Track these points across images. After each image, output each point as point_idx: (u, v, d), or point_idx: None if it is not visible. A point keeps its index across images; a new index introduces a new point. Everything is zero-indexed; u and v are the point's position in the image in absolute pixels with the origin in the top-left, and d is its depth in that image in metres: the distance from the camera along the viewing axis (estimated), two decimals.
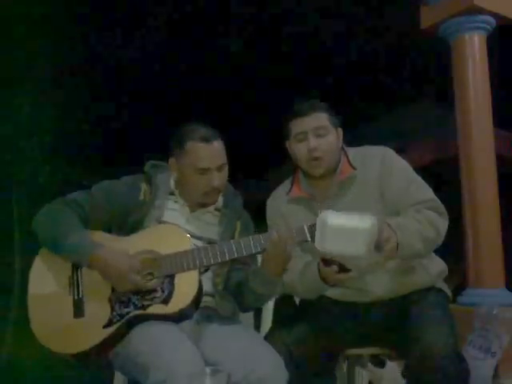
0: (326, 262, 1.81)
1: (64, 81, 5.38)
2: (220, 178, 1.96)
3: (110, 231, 1.96)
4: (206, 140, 1.93)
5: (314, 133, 2.03)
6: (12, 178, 5.13)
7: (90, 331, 1.78)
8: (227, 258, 1.83)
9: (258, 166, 7.19)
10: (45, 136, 5.20)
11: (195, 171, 1.93)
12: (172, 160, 2.01)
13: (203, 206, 2.03)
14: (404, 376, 1.90)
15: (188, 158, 1.94)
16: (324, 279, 1.89)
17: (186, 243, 1.86)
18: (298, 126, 2.06)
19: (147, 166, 2.05)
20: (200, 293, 1.82)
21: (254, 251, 1.82)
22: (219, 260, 1.83)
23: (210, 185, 1.94)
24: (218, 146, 1.96)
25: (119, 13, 6.12)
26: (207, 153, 1.93)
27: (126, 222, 1.93)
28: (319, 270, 1.88)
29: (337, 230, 1.70)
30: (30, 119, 5.06)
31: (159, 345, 1.67)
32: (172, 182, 2.04)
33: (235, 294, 1.98)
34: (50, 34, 5.18)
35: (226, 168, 2.00)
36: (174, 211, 2.00)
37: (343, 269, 1.80)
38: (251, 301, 1.95)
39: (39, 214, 1.91)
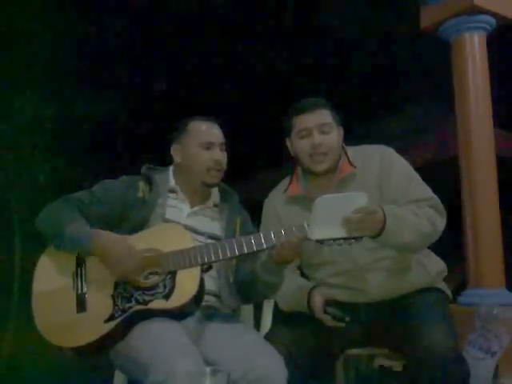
0: (328, 307, 1.93)
1: (64, 80, 5.38)
2: (222, 156, 2.06)
3: (111, 230, 1.97)
4: (207, 120, 2.09)
5: (319, 129, 2.04)
6: (12, 178, 5.12)
7: (92, 325, 1.80)
8: (228, 256, 1.86)
9: (248, 167, 7.19)
10: (45, 136, 5.20)
11: (199, 146, 2.04)
12: (174, 146, 2.11)
13: (203, 197, 2.09)
14: (403, 376, 1.90)
15: (191, 136, 2.06)
16: (310, 308, 1.98)
17: (188, 241, 1.88)
18: (302, 122, 2.06)
19: (144, 168, 2.12)
20: (201, 289, 1.84)
21: (255, 249, 1.84)
22: (220, 257, 1.85)
23: (213, 158, 2.03)
24: (217, 127, 2.10)
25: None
26: (209, 128, 2.07)
27: (126, 219, 1.97)
28: (309, 298, 1.97)
29: (324, 202, 1.75)
30: (30, 119, 5.05)
31: (159, 344, 1.68)
32: (171, 180, 2.10)
33: (246, 283, 2.00)
34: (49, 34, 5.18)
35: (225, 153, 2.09)
36: (174, 208, 2.04)
37: (338, 318, 1.90)
38: (261, 289, 1.99)
39: (41, 213, 1.95)
